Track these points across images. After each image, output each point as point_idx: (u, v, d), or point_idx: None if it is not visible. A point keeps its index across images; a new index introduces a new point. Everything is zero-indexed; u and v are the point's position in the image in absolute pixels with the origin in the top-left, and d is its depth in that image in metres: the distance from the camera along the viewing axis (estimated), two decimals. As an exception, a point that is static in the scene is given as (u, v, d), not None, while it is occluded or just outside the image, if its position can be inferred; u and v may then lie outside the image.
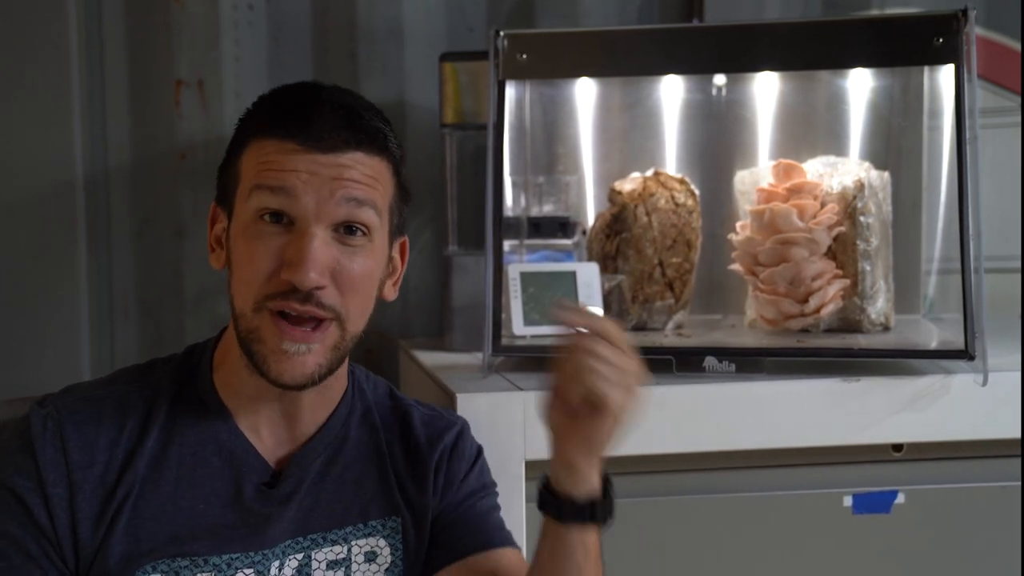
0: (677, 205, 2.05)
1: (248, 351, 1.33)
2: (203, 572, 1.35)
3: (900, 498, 1.83)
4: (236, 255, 1.35)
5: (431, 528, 1.47)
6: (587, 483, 1.32)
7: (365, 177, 1.34)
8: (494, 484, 1.56)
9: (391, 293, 1.44)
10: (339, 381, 1.45)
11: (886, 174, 2.03)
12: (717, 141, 2.18)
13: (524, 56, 1.92)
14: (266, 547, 1.38)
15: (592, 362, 1.27)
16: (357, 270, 1.34)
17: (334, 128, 1.32)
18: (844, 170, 2.00)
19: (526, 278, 1.96)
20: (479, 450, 1.55)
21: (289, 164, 1.31)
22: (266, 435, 1.41)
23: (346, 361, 1.43)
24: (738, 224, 2.05)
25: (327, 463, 1.43)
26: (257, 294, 1.31)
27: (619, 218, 2.06)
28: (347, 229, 1.33)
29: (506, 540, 1.50)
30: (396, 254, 1.44)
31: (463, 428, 1.55)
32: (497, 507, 1.54)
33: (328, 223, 1.32)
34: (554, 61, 1.98)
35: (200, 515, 1.36)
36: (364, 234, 1.34)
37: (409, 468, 1.48)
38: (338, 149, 1.32)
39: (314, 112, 1.33)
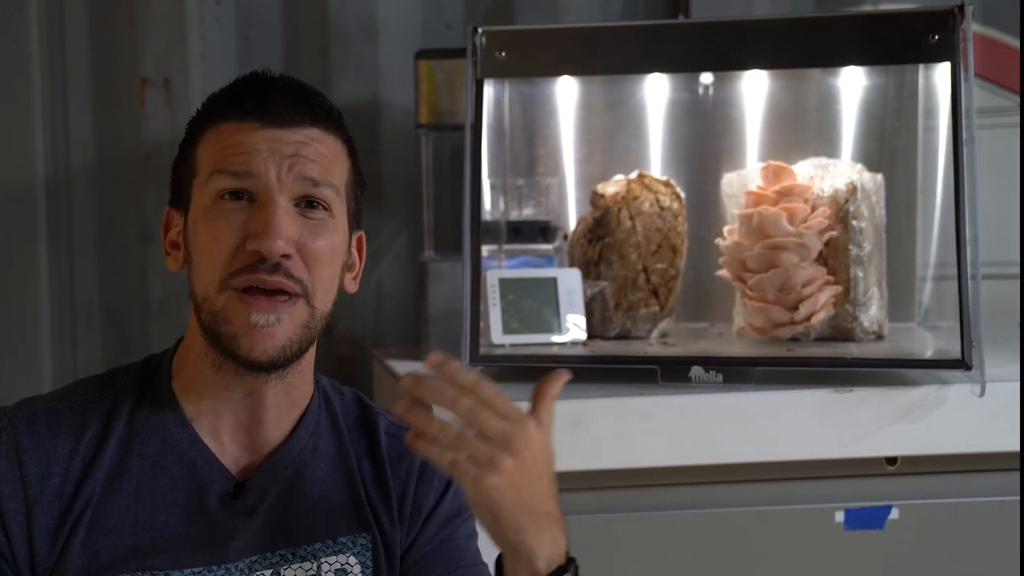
0: (662, 209, 2.03)
1: (215, 336, 1.32)
2: None
3: (894, 513, 1.82)
4: (197, 241, 1.35)
5: (404, 560, 1.45)
6: (527, 566, 1.26)
7: (321, 155, 1.35)
8: None
9: (351, 285, 1.44)
10: (304, 381, 1.43)
11: (879, 176, 2.02)
12: (704, 142, 2.18)
13: (503, 54, 1.92)
14: (229, 560, 1.35)
15: (446, 439, 1.22)
16: (321, 244, 1.34)
17: (291, 104, 1.35)
18: (836, 172, 1.99)
19: (505, 285, 1.95)
20: None
21: (250, 144, 1.32)
22: (228, 442, 1.39)
23: (312, 361, 1.42)
24: (725, 228, 2.04)
25: (295, 476, 1.41)
26: (222, 272, 1.31)
27: (602, 222, 2.04)
28: (308, 203, 1.34)
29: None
30: (354, 248, 1.45)
31: None
32: (474, 533, 1.51)
33: (289, 196, 1.33)
34: (534, 59, 1.98)
35: (161, 527, 1.34)
36: (325, 208, 1.35)
37: (376, 484, 1.46)
38: (296, 124, 1.34)
39: (269, 91, 1.35)
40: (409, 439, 1.21)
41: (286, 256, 1.30)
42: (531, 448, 1.22)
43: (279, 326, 1.31)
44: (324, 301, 1.36)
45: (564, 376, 1.28)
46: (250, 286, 1.30)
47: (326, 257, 1.35)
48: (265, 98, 1.34)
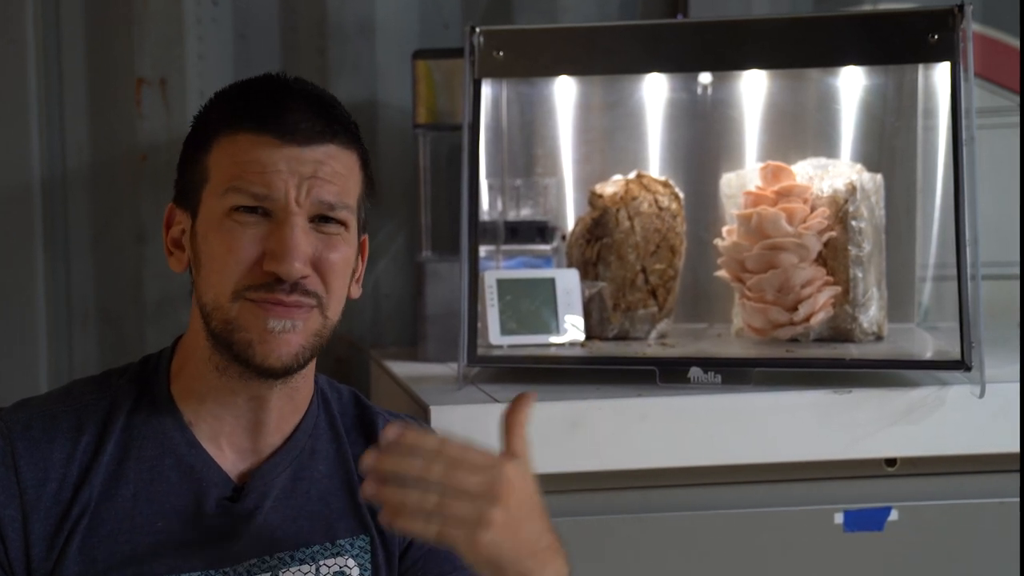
0: (661, 209, 2.02)
1: (228, 343, 1.32)
2: None
3: (893, 515, 1.80)
4: (207, 249, 1.33)
5: (402, 560, 1.45)
6: None
7: (338, 175, 1.34)
8: None
9: (355, 291, 1.44)
10: (307, 384, 1.43)
11: (879, 176, 2.01)
12: (702, 142, 2.17)
13: (501, 53, 1.90)
14: (228, 564, 1.35)
15: (426, 509, 1.16)
16: (336, 258, 1.34)
17: (309, 119, 1.32)
18: (835, 172, 1.98)
19: (503, 285, 1.94)
20: None
21: (270, 164, 1.31)
22: (227, 446, 1.39)
23: (314, 365, 1.42)
24: (724, 229, 2.02)
25: (293, 478, 1.41)
26: (236, 285, 1.31)
27: (600, 222, 2.03)
28: (323, 218, 1.34)
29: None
30: (358, 252, 1.44)
31: None
32: None
33: (306, 214, 1.32)
34: (532, 59, 1.96)
35: (159, 532, 1.33)
36: (340, 223, 1.35)
37: None
38: (314, 141, 1.32)
39: (287, 102, 1.33)
40: (386, 520, 1.16)
41: (303, 277, 1.31)
42: (516, 489, 1.19)
43: (294, 332, 1.31)
44: (335, 311, 1.36)
45: (530, 399, 1.26)
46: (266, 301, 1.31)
47: (340, 269, 1.35)
48: (283, 110, 1.32)
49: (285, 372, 1.33)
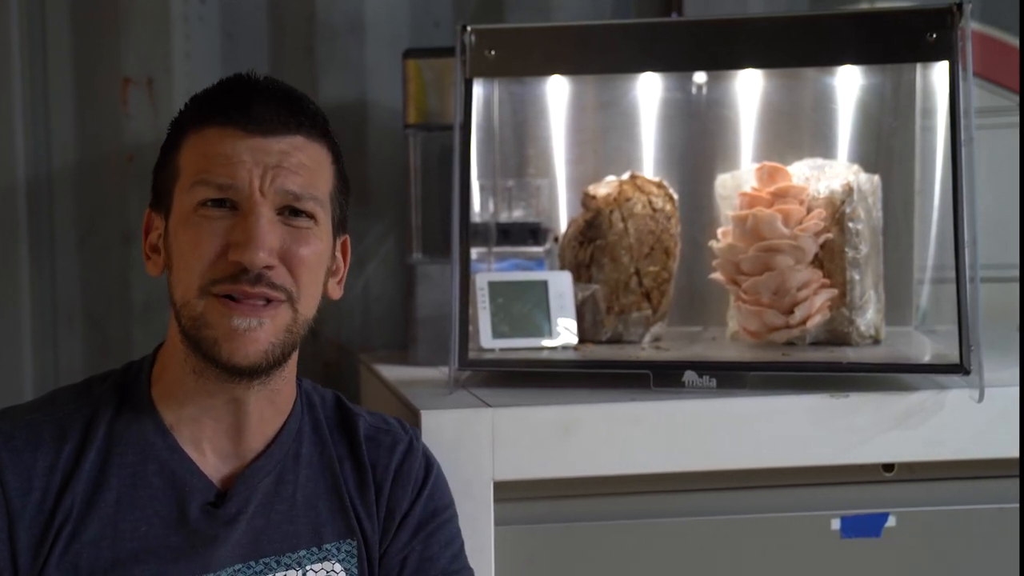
0: (655, 210, 2.01)
1: (196, 341, 1.33)
2: None
3: (891, 521, 1.79)
4: (177, 246, 1.34)
5: (379, 567, 1.45)
6: None
7: (303, 166, 1.34)
8: (447, 506, 1.53)
9: (336, 291, 1.44)
10: (288, 387, 1.43)
11: (876, 177, 2.01)
12: (697, 142, 2.17)
13: (493, 52, 1.89)
14: (212, 570, 1.35)
15: None
16: (306, 252, 1.34)
17: (275, 110, 1.34)
18: (832, 173, 1.97)
19: (495, 288, 1.94)
20: (428, 471, 1.52)
21: (234, 154, 1.31)
22: (209, 451, 1.39)
23: (295, 368, 1.42)
24: (719, 231, 2.01)
25: (277, 482, 1.41)
26: (202, 279, 1.31)
27: (593, 224, 2.02)
28: (292, 211, 1.34)
29: None
30: (339, 252, 1.45)
31: (410, 447, 1.52)
32: (451, 540, 1.51)
33: (272, 205, 1.32)
34: (524, 58, 1.96)
35: (142, 538, 1.34)
36: (309, 216, 1.35)
37: (359, 488, 1.46)
38: (279, 132, 1.33)
39: (253, 96, 1.34)
40: None
41: (268, 267, 1.30)
42: None
43: (261, 330, 1.31)
44: (308, 306, 1.36)
45: None
46: (231, 295, 1.30)
47: (311, 264, 1.34)
48: (249, 104, 1.33)
49: (254, 370, 1.33)
